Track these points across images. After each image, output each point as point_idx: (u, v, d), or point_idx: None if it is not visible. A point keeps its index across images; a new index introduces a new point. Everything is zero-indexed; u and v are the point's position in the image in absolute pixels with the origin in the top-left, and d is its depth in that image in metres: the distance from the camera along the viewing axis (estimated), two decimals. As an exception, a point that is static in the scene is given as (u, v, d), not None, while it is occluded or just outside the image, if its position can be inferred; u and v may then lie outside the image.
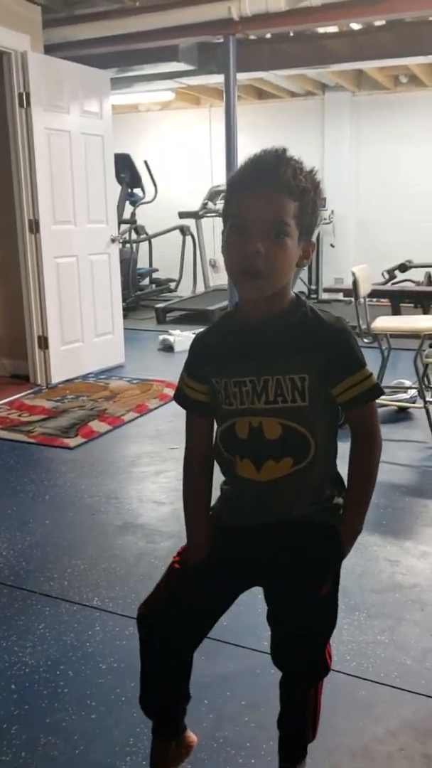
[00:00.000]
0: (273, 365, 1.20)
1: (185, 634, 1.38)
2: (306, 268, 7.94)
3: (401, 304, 6.37)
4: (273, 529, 1.28)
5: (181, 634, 1.37)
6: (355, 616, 2.15)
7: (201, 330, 1.35)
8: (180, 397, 1.35)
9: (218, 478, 1.35)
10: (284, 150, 1.18)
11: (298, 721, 1.48)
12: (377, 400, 3.91)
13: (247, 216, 1.15)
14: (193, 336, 1.35)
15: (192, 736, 1.55)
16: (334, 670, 1.87)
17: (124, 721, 1.73)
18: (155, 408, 4.31)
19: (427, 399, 3.66)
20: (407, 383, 4.15)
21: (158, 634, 1.37)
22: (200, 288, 8.21)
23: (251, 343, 1.23)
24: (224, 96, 4.72)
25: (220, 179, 7.20)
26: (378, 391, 1.25)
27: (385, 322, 3.76)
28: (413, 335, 3.74)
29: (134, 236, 7.98)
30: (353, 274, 3.60)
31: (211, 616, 1.40)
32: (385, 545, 2.62)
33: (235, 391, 1.23)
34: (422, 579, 2.37)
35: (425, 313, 5.99)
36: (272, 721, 1.60)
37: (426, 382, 3.78)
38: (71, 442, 3.78)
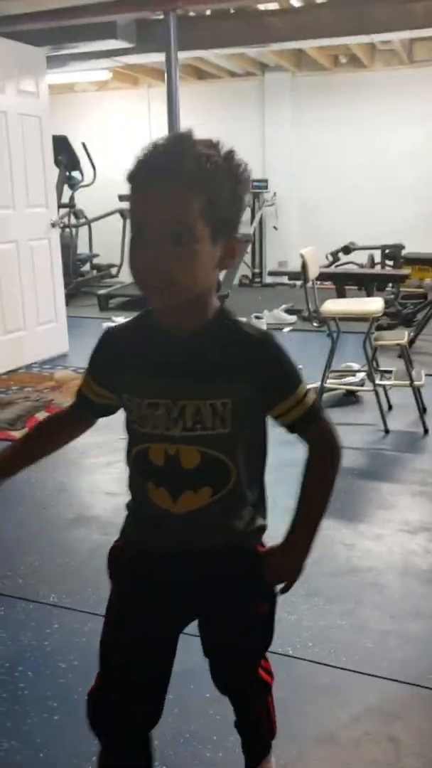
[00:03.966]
0: (191, 388, 1.07)
1: (145, 714, 1.22)
2: (249, 252, 7.92)
3: (345, 287, 6.43)
4: (196, 557, 1.16)
5: (140, 716, 1.21)
6: (314, 601, 2.16)
7: (114, 325, 1.19)
8: (81, 401, 1.21)
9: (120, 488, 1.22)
10: (188, 134, 1.02)
11: (253, 730, 1.44)
12: (327, 385, 3.90)
13: (142, 219, 0.99)
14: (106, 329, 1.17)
15: None
16: (296, 658, 1.90)
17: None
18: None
19: (377, 382, 3.70)
20: (355, 366, 4.19)
21: (116, 723, 1.21)
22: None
23: (168, 359, 1.08)
24: (165, 75, 4.62)
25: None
26: (318, 410, 1.14)
27: (334, 306, 3.77)
28: (361, 318, 3.77)
29: (73, 220, 7.80)
30: (302, 256, 3.60)
31: (165, 671, 1.24)
32: (340, 528, 2.64)
33: (147, 414, 1.09)
34: (378, 562, 2.40)
35: (369, 295, 6.06)
36: (238, 714, 1.59)
37: (375, 365, 3.82)
38: (18, 434, 3.68)
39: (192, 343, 1.07)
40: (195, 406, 1.06)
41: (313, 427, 1.15)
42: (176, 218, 0.97)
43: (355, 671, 1.85)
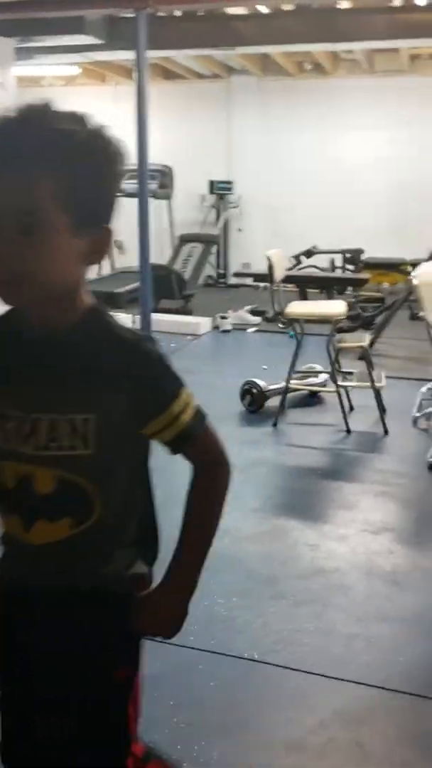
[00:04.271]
0: (47, 400, 0.90)
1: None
2: (213, 253, 7.91)
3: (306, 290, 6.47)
4: (51, 599, 0.98)
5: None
6: (281, 604, 2.14)
7: None
8: None
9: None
10: (44, 106, 0.86)
11: None
12: (291, 385, 3.82)
13: None
14: None
15: None
16: (262, 662, 1.87)
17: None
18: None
19: (339, 383, 3.71)
20: (318, 367, 4.19)
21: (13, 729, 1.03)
22: (106, 270, 8.03)
23: (25, 364, 0.92)
24: (136, 73, 4.56)
25: (127, 159, 7.01)
26: (195, 430, 0.96)
27: (299, 308, 3.78)
28: (324, 320, 3.78)
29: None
30: (268, 258, 3.59)
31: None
32: (304, 529, 2.63)
33: None
34: (343, 563, 2.39)
35: (329, 298, 6.11)
36: (202, 721, 1.57)
37: (337, 367, 3.83)
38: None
39: (54, 346, 0.92)
40: (50, 420, 0.90)
41: (191, 448, 0.98)
42: (24, 205, 0.82)
43: (321, 675, 1.83)
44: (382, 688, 1.78)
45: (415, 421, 3.71)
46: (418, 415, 3.72)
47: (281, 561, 2.40)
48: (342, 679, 1.81)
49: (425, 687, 1.81)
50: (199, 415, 0.97)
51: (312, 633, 2.00)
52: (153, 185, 6.81)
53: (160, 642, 1.91)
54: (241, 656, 1.89)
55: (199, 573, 1.01)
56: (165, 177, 7.42)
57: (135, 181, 4.63)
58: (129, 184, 7.45)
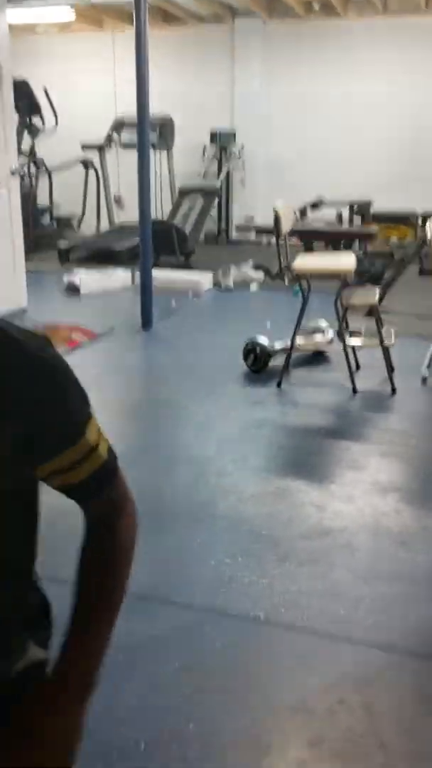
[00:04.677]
0: None
1: None
2: (216, 206, 7.72)
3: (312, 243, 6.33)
4: None
5: None
6: (285, 565, 2.11)
7: None
8: None
9: None
10: None
11: None
12: (296, 343, 3.66)
13: None
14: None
15: None
16: (268, 623, 1.84)
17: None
18: (64, 355, 4.05)
19: (347, 341, 3.62)
20: (323, 324, 4.10)
21: None
22: (104, 225, 7.87)
23: None
24: (134, 15, 4.35)
25: (126, 109, 6.80)
26: (116, 464, 0.78)
27: (308, 263, 3.66)
28: (332, 276, 3.67)
29: (33, 170, 7.49)
30: (275, 210, 3.46)
31: None
32: (310, 490, 2.58)
33: None
34: (350, 522, 2.35)
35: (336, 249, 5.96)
36: (210, 685, 1.54)
37: (345, 325, 3.74)
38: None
39: None
40: None
41: (107, 491, 0.78)
42: None
43: (328, 637, 1.80)
44: (390, 650, 1.76)
45: (424, 379, 3.64)
46: (427, 374, 3.65)
47: (286, 521, 2.36)
48: (349, 641, 1.78)
49: (434, 648, 1.78)
50: (110, 445, 0.77)
51: (319, 593, 1.97)
52: (153, 136, 6.62)
53: (166, 602, 1.90)
54: (247, 617, 1.87)
55: (105, 653, 0.76)
56: (165, 127, 7.20)
57: (134, 131, 4.47)
58: (128, 135, 7.26)
